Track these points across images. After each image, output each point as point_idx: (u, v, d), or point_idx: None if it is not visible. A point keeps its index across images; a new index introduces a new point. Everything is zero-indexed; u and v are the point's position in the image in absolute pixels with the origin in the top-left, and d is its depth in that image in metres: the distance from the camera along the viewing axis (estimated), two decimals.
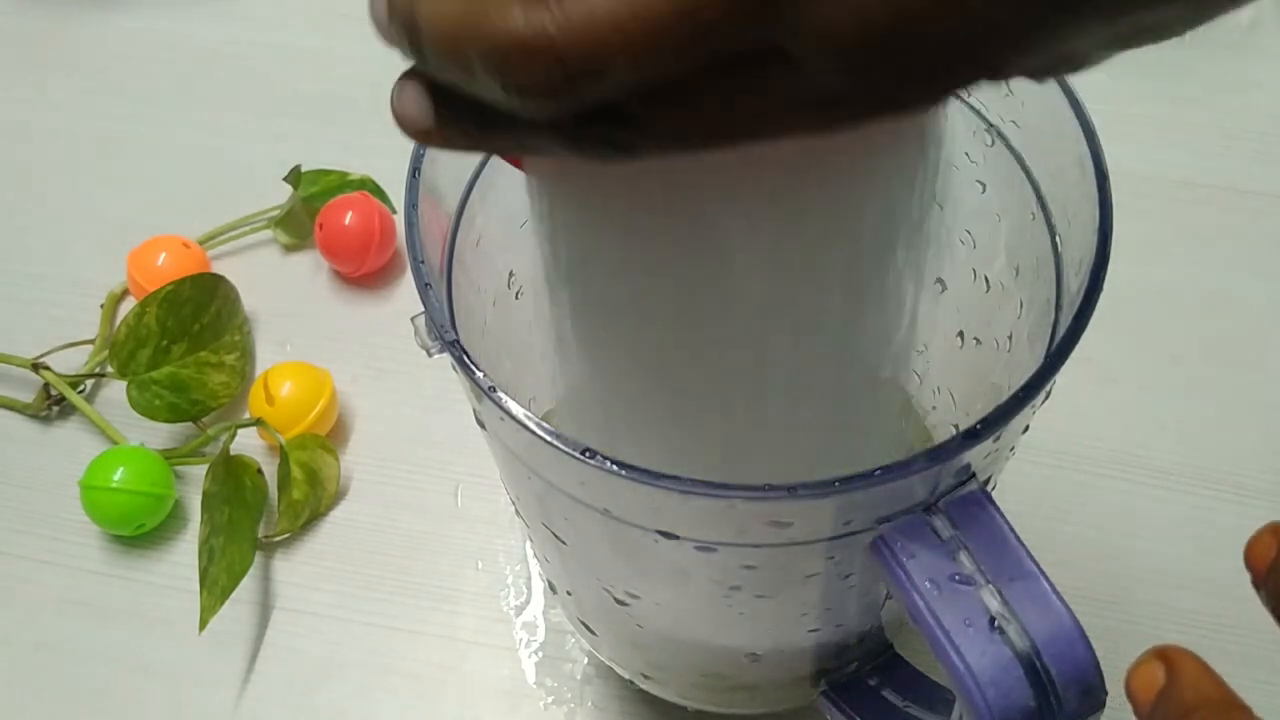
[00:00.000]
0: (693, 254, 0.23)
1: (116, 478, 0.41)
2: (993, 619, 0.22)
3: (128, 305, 0.48)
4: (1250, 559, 0.23)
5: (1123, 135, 0.50)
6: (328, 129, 0.53)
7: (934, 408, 0.36)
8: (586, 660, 0.39)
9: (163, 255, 0.47)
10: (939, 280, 0.34)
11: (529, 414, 0.22)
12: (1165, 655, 0.22)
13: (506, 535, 0.42)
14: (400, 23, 0.19)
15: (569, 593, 0.33)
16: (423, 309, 0.24)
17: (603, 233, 0.23)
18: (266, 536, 0.42)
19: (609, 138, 0.19)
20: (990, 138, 0.29)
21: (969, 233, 0.31)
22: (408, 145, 0.26)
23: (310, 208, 0.49)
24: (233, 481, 0.40)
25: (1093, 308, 0.24)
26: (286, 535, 0.42)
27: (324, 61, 0.55)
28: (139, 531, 0.42)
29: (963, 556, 0.23)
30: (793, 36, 0.17)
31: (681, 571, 0.26)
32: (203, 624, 0.38)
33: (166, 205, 0.51)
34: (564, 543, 0.28)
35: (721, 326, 0.24)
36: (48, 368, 0.45)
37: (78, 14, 0.58)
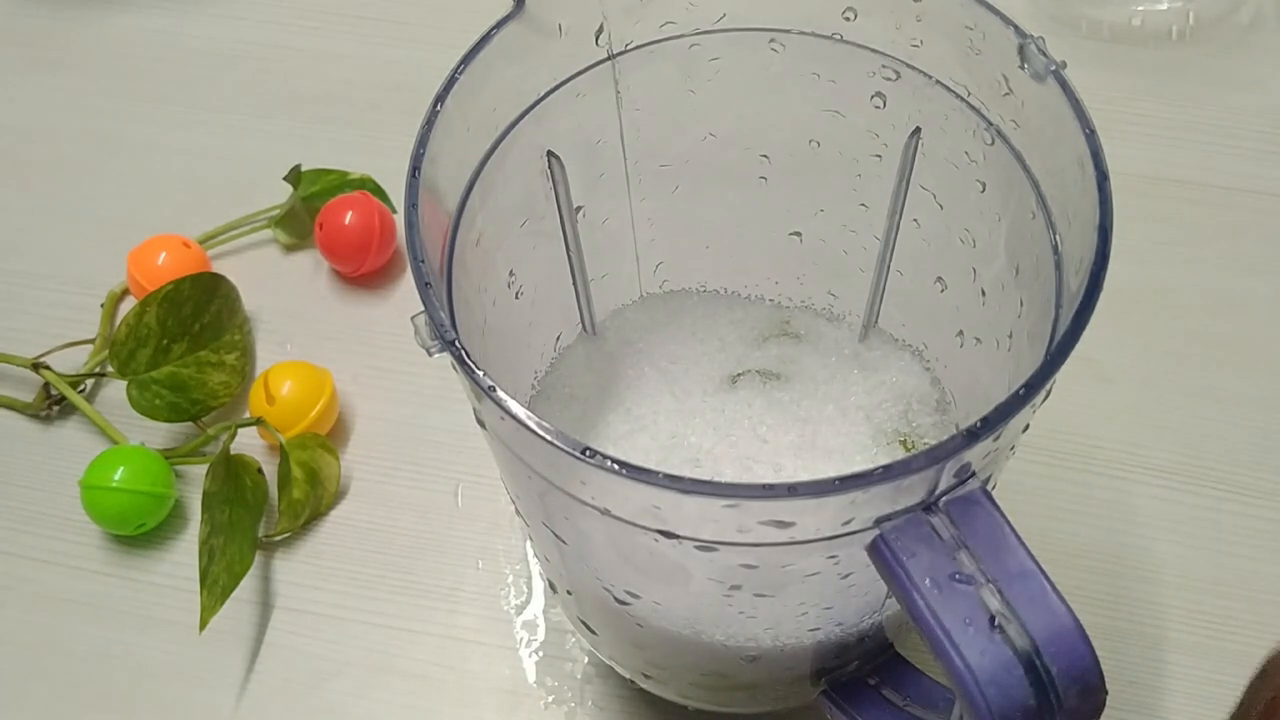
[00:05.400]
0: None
1: (116, 477, 0.41)
2: (993, 618, 0.22)
3: (128, 305, 0.48)
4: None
5: (1123, 135, 0.50)
6: (328, 129, 0.53)
7: (935, 406, 0.36)
8: (587, 659, 0.39)
9: (163, 255, 0.47)
10: (939, 279, 0.34)
11: (529, 414, 0.22)
12: None
13: (506, 535, 0.42)
14: None
15: (569, 592, 0.33)
16: (423, 309, 0.24)
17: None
18: (266, 536, 0.42)
19: None
20: (990, 137, 0.29)
21: (969, 232, 0.31)
22: (408, 145, 0.26)
23: (310, 207, 0.49)
24: (233, 481, 0.40)
25: (1093, 307, 0.24)
26: (286, 535, 0.42)
27: (324, 61, 0.55)
28: (139, 531, 0.42)
29: (963, 556, 0.23)
30: None
31: (681, 571, 0.26)
32: (203, 624, 0.38)
33: (166, 205, 0.51)
34: (564, 542, 0.28)
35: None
36: (48, 367, 0.45)
37: (78, 14, 0.58)
